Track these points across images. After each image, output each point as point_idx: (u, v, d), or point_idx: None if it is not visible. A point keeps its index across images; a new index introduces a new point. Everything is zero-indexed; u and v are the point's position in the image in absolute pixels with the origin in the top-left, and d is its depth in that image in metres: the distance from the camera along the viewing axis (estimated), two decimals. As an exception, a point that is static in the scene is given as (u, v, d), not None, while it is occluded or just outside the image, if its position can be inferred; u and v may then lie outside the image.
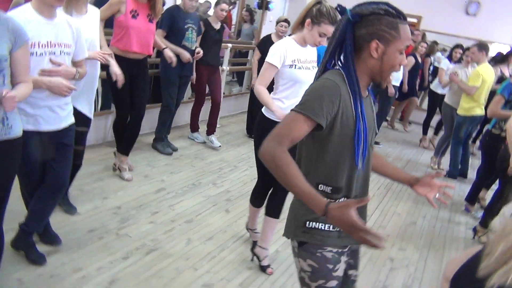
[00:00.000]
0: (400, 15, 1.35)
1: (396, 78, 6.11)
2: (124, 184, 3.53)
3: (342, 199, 1.44)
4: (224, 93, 5.71)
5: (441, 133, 6.68)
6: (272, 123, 2.34)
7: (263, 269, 2.72)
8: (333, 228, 1.43)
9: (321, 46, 2.45)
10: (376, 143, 6.36)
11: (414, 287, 2.87)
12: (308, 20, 2.37)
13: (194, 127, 4.99)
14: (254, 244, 2.79)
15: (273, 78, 2.55)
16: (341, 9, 1.41)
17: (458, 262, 1.13)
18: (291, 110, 1.34)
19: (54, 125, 2.20)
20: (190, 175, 4.00)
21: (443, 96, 5.94)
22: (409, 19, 7.27)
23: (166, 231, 2.95)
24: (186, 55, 4.10)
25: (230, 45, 5.53)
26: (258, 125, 2.62)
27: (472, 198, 4.38)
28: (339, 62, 1.42)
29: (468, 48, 5.65)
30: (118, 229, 2.85)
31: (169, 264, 2.60)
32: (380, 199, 4.28)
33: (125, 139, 3.67)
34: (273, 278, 2.68)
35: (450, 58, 6.32)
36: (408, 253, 3.30)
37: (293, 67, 2.45)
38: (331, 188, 1.42)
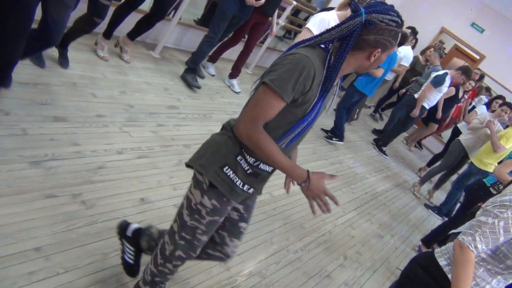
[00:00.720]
0: (402, 24, 1.41)
1: (432, 101, 6.06)
2: (143, 87, 3.68)
3: (259, 163, 1.53)
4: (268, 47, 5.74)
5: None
6: None
7: None
8: (241, 186, 1.54)
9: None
10: (384, 152, 6.44)
11: (353, 289, 3.08)
12: None
13: (213, 58, 4.98)
14: None
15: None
16: (355, 8, 1.38)
17: None
18: (264, 82, 1.36)
19: None
20: (205, 106, 4.14)
21: None
22: (471, 53, 7.17)
23: (164, 145, 3.13)
24: None
25: (295, 2, 5.50)
26: None
27: (430, 241, 4.28)
28: (329, 45, 1.43)
29: (508, 104, 5.61)
30: (123, 125, 3.03)
31: (154, 175, 2.79)
32: (361, 203, 4.44)
33: (136, 26, 3.80)
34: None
35: (488, 106, 6.27)
36: (362, 259, 3.49)
37: None
38: None
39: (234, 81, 4.93)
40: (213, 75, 4.98)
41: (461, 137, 5.59)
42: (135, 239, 1.93)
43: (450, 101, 6.59)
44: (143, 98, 3.53)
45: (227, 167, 1.51)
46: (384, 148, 6.48)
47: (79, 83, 3.13)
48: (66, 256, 1.93)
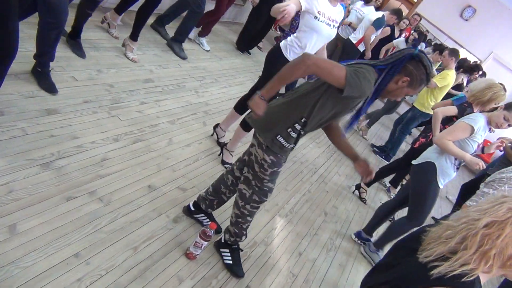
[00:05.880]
0: (428, 80, 1.90)
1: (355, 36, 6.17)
2: (116, 62, 3.58)
3: (302, 131, 2.03)
4: None
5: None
6: (285, 62, 2.68)
7: (220, 144, 3.45)
8: (288, 146, 2.07)
9: None
10: None
11: (337, 241, 3.44)
12: None
13: (204, 32, 4.99)
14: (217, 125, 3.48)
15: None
16: (414, 45, 1.81)
17: None
18: (346, 67, 1.78)
19: None
20: (176, 75, 4.12)
21: None
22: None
23: (152, 125, 3.15)
24: None
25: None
26: (271, 57, 3.00)
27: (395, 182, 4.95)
28: (382, 68, 1.88)
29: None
30: (110, 109, 3.00)
31: (152, 159, 2.85)
32: (328, 156, 4.77)
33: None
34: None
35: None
36: (339, 212, 3.86)
37: (317, 19, 2.77)
38: (304, 120, 2.00)
39: (204, 39, 4.91)
40: (208, 50, 5.02)
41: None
42: (198, 208, 2.56)
43: (387, 40, 6.84)
44: (120, 74, 3.46)
45: (279, 136, 2.05)
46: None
47: (56, 66, 3.00)
48: (102, 257, 2.02)
